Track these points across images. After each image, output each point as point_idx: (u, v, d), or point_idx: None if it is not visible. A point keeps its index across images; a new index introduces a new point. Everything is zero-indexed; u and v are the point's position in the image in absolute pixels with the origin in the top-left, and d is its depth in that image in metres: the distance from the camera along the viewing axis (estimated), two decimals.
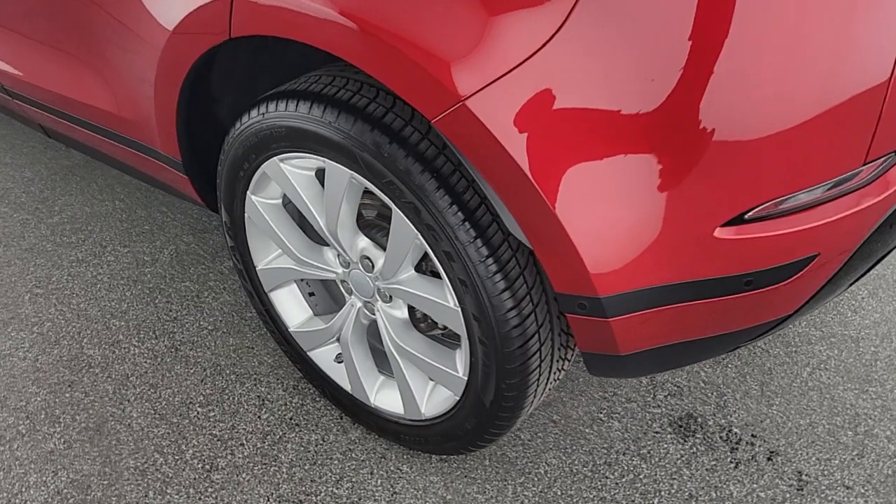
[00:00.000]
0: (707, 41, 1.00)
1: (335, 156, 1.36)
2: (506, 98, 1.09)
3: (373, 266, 1.53)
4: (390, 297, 1.56)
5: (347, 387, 1.77)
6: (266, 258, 1.76)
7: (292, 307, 1.82)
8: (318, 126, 1.35)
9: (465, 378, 1.47)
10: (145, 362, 2.01)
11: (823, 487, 1.71)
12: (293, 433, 1.82)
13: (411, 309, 1.59)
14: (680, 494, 1.69)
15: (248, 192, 1.62)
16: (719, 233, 1.14)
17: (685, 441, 1.81)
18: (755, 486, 1.71)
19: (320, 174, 1.50)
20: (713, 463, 1.76)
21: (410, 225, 1.33)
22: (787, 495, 1.69)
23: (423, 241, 1.33)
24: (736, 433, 1.83)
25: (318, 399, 1.91)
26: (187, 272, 2.32)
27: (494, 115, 1.10)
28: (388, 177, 1.29)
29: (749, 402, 1.91)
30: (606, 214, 1.13)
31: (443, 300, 1.39)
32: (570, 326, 1.28)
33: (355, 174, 1.36)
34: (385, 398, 1.73)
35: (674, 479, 1.72)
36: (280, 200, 1.65)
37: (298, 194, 1.51)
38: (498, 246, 1.27)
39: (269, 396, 1.91)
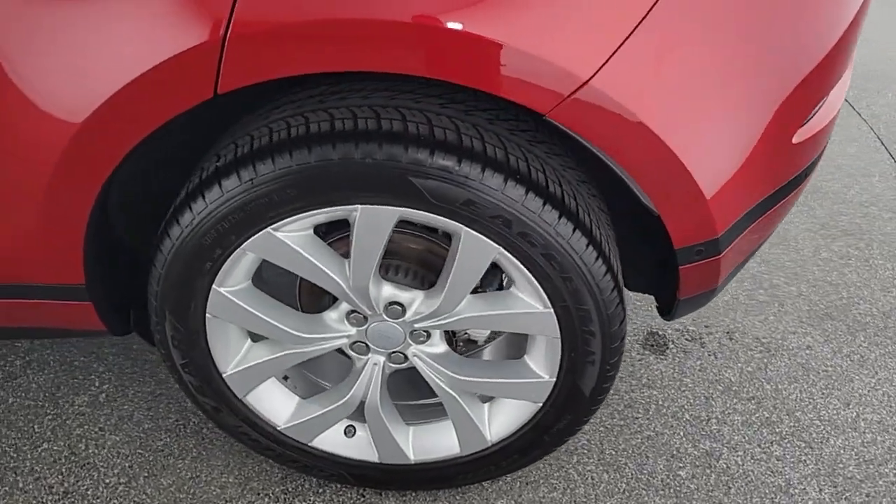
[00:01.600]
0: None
1: (377, 196, 1.15)
2: (625, 70, 1.04)
3: (403, 311, 1.34)
4: (427, 334, 1.39)
5: (374, 457, 1.55)
6: (235, 359, 1.42)
7: (277, 402, 1.51)
8: (359, 168, 1.12)
9: (554, 380, 1.39)
10: None
11: (779, 340, 1.99)
12: None
13: (448, 339, 1.44)
14: (698, 401, 1.83)
15: (212, 287, 1.29)
16: (795, 138, 1.24)
17: (665, 355, 1.94)
18: (739, 364, 1.92)
19: (317, 230, 1.26)
20: (699, 362, 1.93)
21: (489, 241, 1.19)
22: (765, 358, 1.94)
23: (509, 253, 1.21)
24: (693, 331, 2.02)
25: (320, 489, 1.63)
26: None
27: (618, 89, 1.04)
28: (465, 197, 1.14)
29: None
30: (721, 157, 1.15)
31: (527, 308, 1.29)
32: (678, 279, 1.29)
33: (408, 210, 1.17)
34: (424, 447, 1.55)
35: (684, 390, 1.85)
36: (249, 281, 1.34)
37: (305, 260, 1.25)
38: (591, 231, 1.22)
39: None
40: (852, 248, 2.38)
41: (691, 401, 1.83)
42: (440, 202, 1.15)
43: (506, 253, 1.21)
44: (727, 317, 2.07)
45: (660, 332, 2.01)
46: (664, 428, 1.76)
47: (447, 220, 1.17)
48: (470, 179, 1.13)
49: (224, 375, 1.43)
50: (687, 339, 1.99)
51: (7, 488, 1.62)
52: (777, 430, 1.76)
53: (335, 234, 1.35)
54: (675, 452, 1.71)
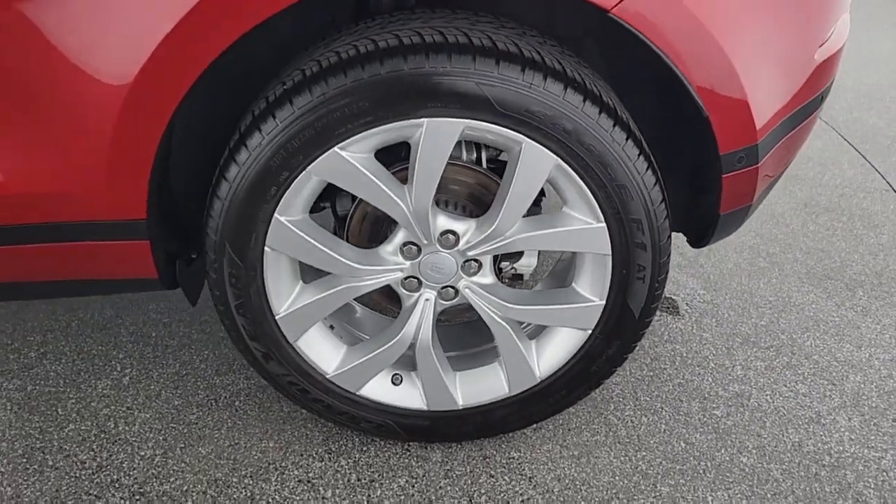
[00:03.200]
0: None
1: (445, 107, 1.23)
2: None
3: (457, 240, 1.40)
4: (479, 265, 1.45)
5: (422, 405, 1.57)
6: (288, 299, 1.45)
7: (326, 348, 1.53)
8: (429, 77, 1.20)
9: (603, 302, 1.46)
10: None
11: (785, 298, 2.11)
12: (377, 491, 1.54)
13: (497, 270, 1.50)
14: (720, 352, 1.91)
15: (274, 216, 1.33)
16: (817, 56, 1.37)
17: (681, 315, 2.03)
18: (752, 319, 2.02)
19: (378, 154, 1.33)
20: (713, 319, 2.02)
21: (548, 152, 1.28)
22: (775, 313, 2.05)
23: (566, 164, 1.29)
24: (703, 294, 2.12)
25: (364, 447, 1.64)
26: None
27: None
28: (529, 104, 1.23)
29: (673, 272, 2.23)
30: (763, 64, 1.28)
31: (580, 224, 1.36)
32: (720, 190, 1.39)
33: (473, 121, 1.25)
34: (472, 392, 1.58)
35: (705, 343, 1.94)
36: (307, 214, 1.39)
37: (370, 182, 1.30)
38: (641, 141, 1.32)
39: (311, 475, 1.58)
40: (836, 222, 2.55)
41: (713, 352, 1.91)
42: (505, 109, 1.23)
43: (563, 164, 1.30)
44: (733, 281, 2.18)
45: (671, 297, 2.11)
46: (692, 376, 1.83)
47: (510, 130, 1.26)
48: (534, 86, 1.23)
49: (277, 317, 1.45)
50: (700, 302, 2.09)
51: (36, 466, 1.58)
52: (799, 371, 1.86)
53: (396, 166, 1.41)
54: (706, 395, 1.78)
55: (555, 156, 1.28)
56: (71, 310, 2.07)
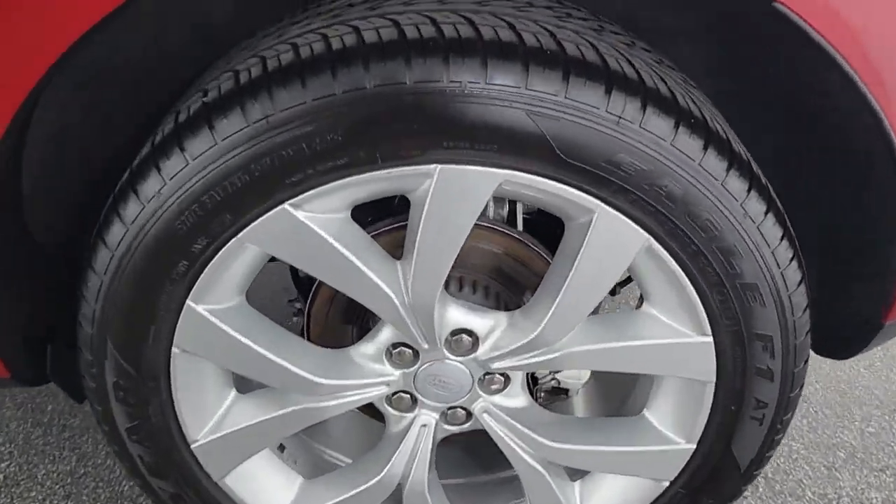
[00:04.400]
0: None
1: (471, 148, 0.74)
2: None
3: (474, 343, 0.91)
4: (505, 380, 0.96)
5: None
6: (212, 419, 0.96)
7: (272, 486, 1.04)
8: (447, 97, 0.71)
9: (693, 447, 0.96)
10: None
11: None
12: None
13: (529, 387, 1.01)
14: (819, 475, 1.42)
15: (186, 303, 0.84)
16: None
17: None
18: (855, 423, 1.53)
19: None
20: (805, 420, 1.53)
21: (636, 227, 0.79)
22: (885, 416, 1.56)
23: (662, 246, 0.80)
24: None
25: None
26: None
27: None
28: (614, 150, 0.73)
29: None
30: None
31: (671, 335, 0.87)
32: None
33: (517, 173, 0.75)
34: None
35: (796, 458, 1.45)
36: (243, 296, 0.89)
37: (338, 259, 0.81)
38: (785, 219, 0.83)
39: None
40: None
41: (810, 474, 1.42)
42: (573, 157, 0.74)
43: (657, 247, 0.80)
44: (837, 370, 1.69)
45: None
46: None
47: (578, 191, 0.76)
48: (624, 122, 0.73)
49: (193, 446, 0.96)
50: None
51: None
52: None
53: (380, 226, 0.92)
54: None
55: (647, 233, 0.79)
56: None
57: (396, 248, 0.89)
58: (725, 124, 0.82)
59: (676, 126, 0.74)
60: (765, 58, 0.92)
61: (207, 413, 0.96)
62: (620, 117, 0.73)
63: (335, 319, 1.00)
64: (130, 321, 0.85)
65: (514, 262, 0.97)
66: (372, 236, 0.88)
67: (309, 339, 1.02)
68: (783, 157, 0.96)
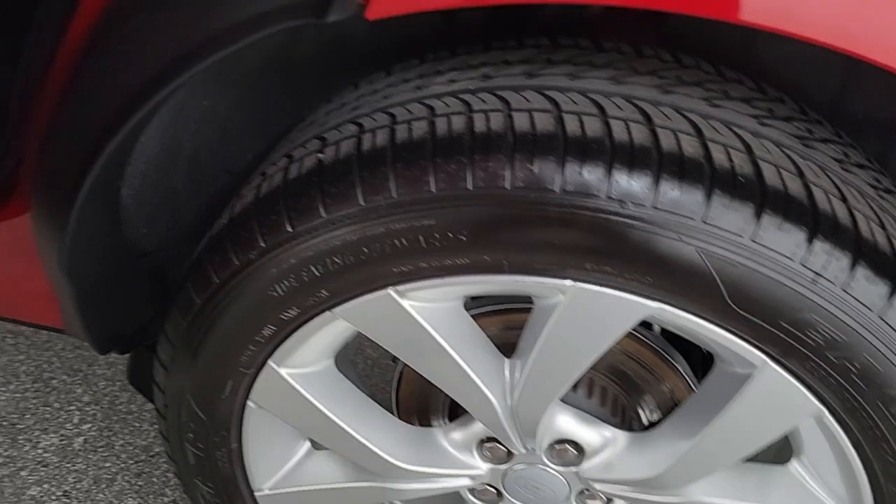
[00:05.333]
0: None
1: (616, 271, 0.60)
2: None
3: (580, 456, 0.79)
4: (608, 501, 0.84)
5: None
6: (281, 471, 0.89)
7: None
8: (633, 223, 0.57)
9: None
10: None
11: None
12: None
13: None
14: None
15: (267, 363, 0.75)
16: None
17: None
18: None
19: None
20: None
21: (807, 393, 0.63)
22: None
23: (834, 418, 0.65)
24: None
25: None
26: None
27: None
28: (801, 307, 0.58)
29: None
30: None
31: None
32: None
33: (667, 307, 0.62)
34: None
35: None
36: (331, 360, 0.80)
37: (436, 350, 0.70)
38: None
39: None
40: None
41: None
42: (746, 309, 0.59)
43: (829, 419, 0.65)
44: None
45: None
46: None
47: (744, 342, 0.62)
48: (822, 278, 0.57)
49: (258, 494, 0.90)
50: None
51: None
52: None
53: (490, 304, 0.80)
54: None
55: (822, 405, 0.64)
56: None
57: (505, 332, 0.78)
58: None
59: (891, 294, 0.58)
60: None
61: (276, 465, 0.89)
62: (819, 275, 0.57)
63: (419, 390, 0.90)
64: (208, 372, 0.78)
65: (638, 367, 0.83)
66: (478, 315, 0.76)
67: (398, 396, 0.93)
68: None
